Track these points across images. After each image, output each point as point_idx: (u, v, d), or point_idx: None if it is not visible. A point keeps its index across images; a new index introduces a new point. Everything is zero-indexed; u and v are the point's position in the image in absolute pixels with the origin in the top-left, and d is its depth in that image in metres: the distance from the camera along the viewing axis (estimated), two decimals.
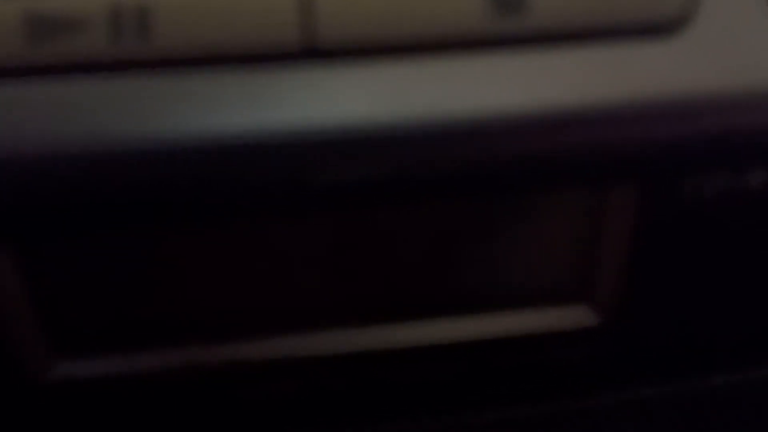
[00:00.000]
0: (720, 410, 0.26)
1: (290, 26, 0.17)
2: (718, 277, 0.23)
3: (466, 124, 0.18)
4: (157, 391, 0.22)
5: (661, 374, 0.25)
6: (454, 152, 0.18)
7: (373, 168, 0.18)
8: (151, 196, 0.18)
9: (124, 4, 0.17)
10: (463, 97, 0.18)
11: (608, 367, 0.25)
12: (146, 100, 0.17)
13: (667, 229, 0.21)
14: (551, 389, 0.25)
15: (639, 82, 0.18)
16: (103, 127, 0.17)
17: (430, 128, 0.17)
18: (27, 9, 0.17)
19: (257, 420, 0.24)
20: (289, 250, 0.21)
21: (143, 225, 0.19)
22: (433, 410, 0.25)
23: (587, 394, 0.25)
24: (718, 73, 0.18)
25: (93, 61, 0.17)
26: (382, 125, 0.17)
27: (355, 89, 0.17)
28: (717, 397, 0.26)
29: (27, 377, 0.21)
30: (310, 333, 0.22)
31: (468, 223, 0.21)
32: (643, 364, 0.25)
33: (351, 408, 0.25)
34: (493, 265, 0.22)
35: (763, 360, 0.26)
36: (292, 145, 0.17)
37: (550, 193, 0.20)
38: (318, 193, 0.18)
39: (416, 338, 0.23)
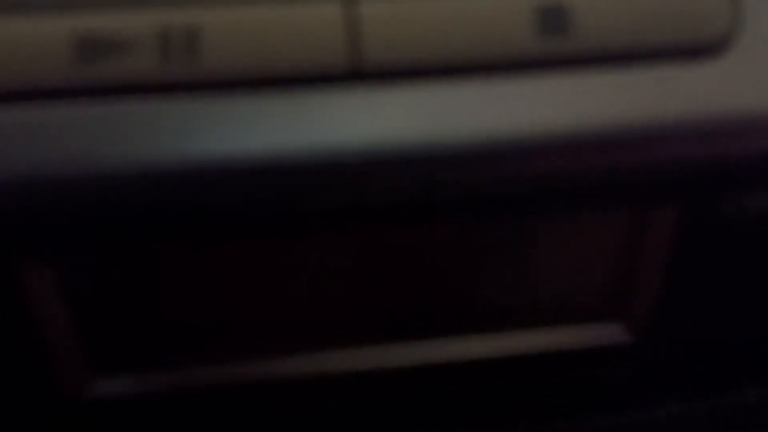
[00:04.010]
0: (753, 425, 0.26)
1: (337, 48, 0.17)
2: (751, 296, 0.23)
3: (511, 144, 0.18)
4: (193, 408, 0.22)
5: (694, 390, 0.25)
6: (499, 172, 0.18)
7: (419, 187, 0.18)
8: (197, 214, 0.18)
9: (172, 25, 0.17)
10: (509, 117, 0.18)
11: (642, 383, 0.25)
12: (194, 120, 0.17)
13: (704, 248, 0.21)
14: (586, 405, 0.25)
15: (682, 102, 0.18)
16: (150, 146, 0.17)
17: (475, 148, 0.18)
18: (76, 29, 0.17)
19: None
20: (327, 268, 0.21)
21: (191, 243, 0.19)
22: (468, 425, 0.25)
23: (621, 410, 0.25)
24: (760, 94, 0.18)
25: (141, 82, 0.17)
26: (427, 145, 0.17)
27: (401, 110, 0.17)
28: (750, 412, 0.26)
29: (65, 395, 0.21)
30: (347, 349, 0.22)
31: (507, 240, 0.21)
32: (677, 380, 0.25)
33: (386, 423, 0.25)
34: (531, 282, 0.22)
35: None
36: (339, 165, 0.17)
37: (592, 213, 0.20)
38: (363, 211, 0.18)
39: (453, 354, 0.23)
